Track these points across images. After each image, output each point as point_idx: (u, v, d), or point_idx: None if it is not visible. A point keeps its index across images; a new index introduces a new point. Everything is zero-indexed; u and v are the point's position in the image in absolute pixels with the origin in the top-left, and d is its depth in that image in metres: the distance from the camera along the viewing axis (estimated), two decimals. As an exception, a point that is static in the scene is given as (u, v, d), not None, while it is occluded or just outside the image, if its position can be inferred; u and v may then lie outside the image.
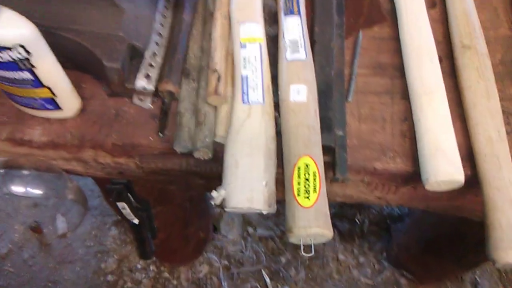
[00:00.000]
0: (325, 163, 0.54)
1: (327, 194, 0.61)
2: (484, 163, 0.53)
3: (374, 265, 1.39)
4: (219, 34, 0.59)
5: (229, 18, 0.61)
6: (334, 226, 1.45)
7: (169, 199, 0.90)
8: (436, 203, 0.62)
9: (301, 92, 0.52)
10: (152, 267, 1.37)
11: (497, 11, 0.69)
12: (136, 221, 0.72)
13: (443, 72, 0.61)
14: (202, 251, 1.39)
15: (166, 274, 1.36)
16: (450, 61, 0.63)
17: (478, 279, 1.35)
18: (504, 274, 1.35)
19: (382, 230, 1.46)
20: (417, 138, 0.55)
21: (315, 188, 0.46)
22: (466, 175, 0.54)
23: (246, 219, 1.46)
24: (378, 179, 0.57)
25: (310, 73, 0.55)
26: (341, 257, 1.41)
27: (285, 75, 0.55)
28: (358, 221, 1.48)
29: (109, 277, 1.35)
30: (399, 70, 0.62)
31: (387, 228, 1.45)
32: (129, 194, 0.66)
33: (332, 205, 1.50)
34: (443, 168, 0.51)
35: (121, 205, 0.66)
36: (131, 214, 0.69)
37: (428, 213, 1.19)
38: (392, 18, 0.67)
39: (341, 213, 1.49)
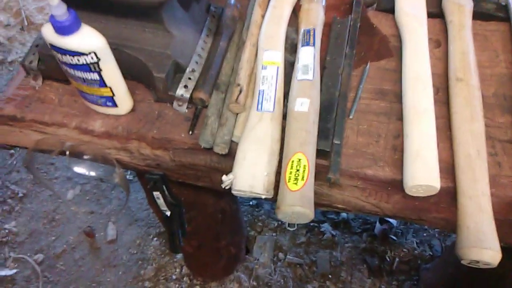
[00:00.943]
0: (323, 167, 0.64)
1: (327, 200, 0.71)
2: (461, 174, 0.61)
3: (401, 303, 1.40)
4: (247, 57, 0.72)
5: (256, 45, 0.75)
6: (364, 261, 1.50)
7: (202, 205, 1.02)
8: (427, 215, 0.69)
9: (304, 104, 0.63)
10: (185, 279, 1.48)
11: (497, 52, 0.77)
12: (168, 213, 0.85)
13: (439, 101, 0.70)
14: (233, 270, 1.47)
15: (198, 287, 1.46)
16: (446, 92, 0.72)
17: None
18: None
19: (412, 269, 1.47)
20: (404, 150, 0.64)
21: (303, 177, 0.56)
22: (448, 187, 0.62)
23: (278, 244, 1.54)
24: (371, 185, 0.66)
25: (315, 91, 0.66)
26: (368, 291, 1.44)
27: (295, 90, 0.67)
28: (388, 259, 1.51)
29: (147, 284, 1.47)
30: (398, 97, 0.71)
31: (417, 268, 1.47)
32: (164, 186, 0.79)
33: (364, 240, 1.55)
34: (421, 174, 0.60)
35: (156, 194, 0.79)
36: (164, 205, 0.82)
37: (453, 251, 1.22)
38: (398, 54, 0.77)
39: (372, 248, 1.52)
